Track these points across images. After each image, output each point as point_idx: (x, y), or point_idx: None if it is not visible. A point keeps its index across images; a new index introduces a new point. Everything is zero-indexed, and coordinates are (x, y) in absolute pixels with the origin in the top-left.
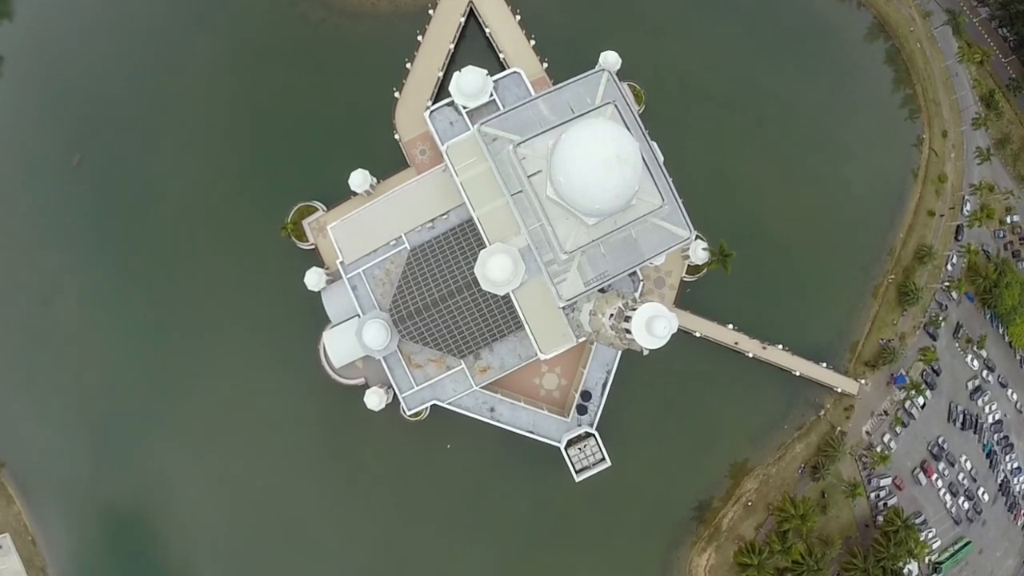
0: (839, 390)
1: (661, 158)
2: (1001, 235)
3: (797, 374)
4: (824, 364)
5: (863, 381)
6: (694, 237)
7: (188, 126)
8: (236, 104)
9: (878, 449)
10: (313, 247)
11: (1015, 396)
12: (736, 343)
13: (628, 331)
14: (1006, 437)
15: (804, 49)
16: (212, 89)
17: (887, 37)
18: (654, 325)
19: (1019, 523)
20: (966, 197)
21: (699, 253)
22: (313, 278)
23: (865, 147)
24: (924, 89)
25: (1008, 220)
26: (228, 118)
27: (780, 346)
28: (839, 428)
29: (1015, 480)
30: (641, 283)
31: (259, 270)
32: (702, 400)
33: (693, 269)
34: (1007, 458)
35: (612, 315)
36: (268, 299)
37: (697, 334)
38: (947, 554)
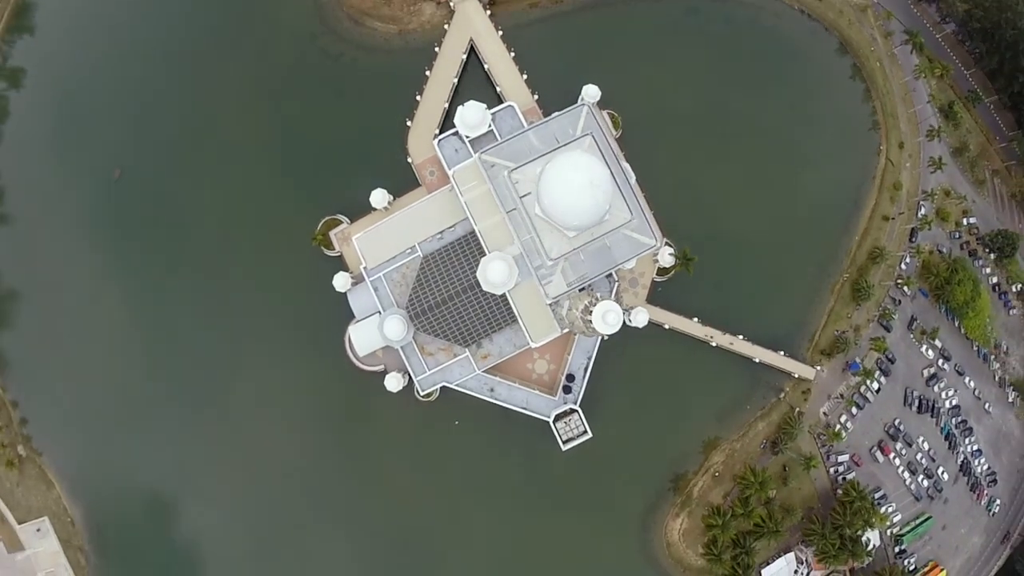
0: (796, 375)
1: (632, 178)
2: (957, 236)
3: (757, 361)
4: (782, 352)
5: (819, 368)
6: (662, 244)
7: (223, 145)
8: (268, 126)
9: (836, 429)
10: (339, 254)
11: (972, 384)
12: (711, 337)
13: (591, 321)
14: (964, 421)
15: (771, 71)
16: (246, 111)
17: (850, 57)
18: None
19: (982, 503)
20: (920, 203)
21: (666, 257)
22: (340, 281)
23: (826, 159)
24: (883, 104)
25: (965, 222)
26: (261, 138)
27: (741, 336)
28: (797, 409)
29: (976, 462)
30: (616, 283)
31: (291, 274)
32: (673, 383)
33: (662, 271)
34: (967, 441)
35: (581, 309)
36: (299, 299)
37: (667, 326)
38: (908, 528)
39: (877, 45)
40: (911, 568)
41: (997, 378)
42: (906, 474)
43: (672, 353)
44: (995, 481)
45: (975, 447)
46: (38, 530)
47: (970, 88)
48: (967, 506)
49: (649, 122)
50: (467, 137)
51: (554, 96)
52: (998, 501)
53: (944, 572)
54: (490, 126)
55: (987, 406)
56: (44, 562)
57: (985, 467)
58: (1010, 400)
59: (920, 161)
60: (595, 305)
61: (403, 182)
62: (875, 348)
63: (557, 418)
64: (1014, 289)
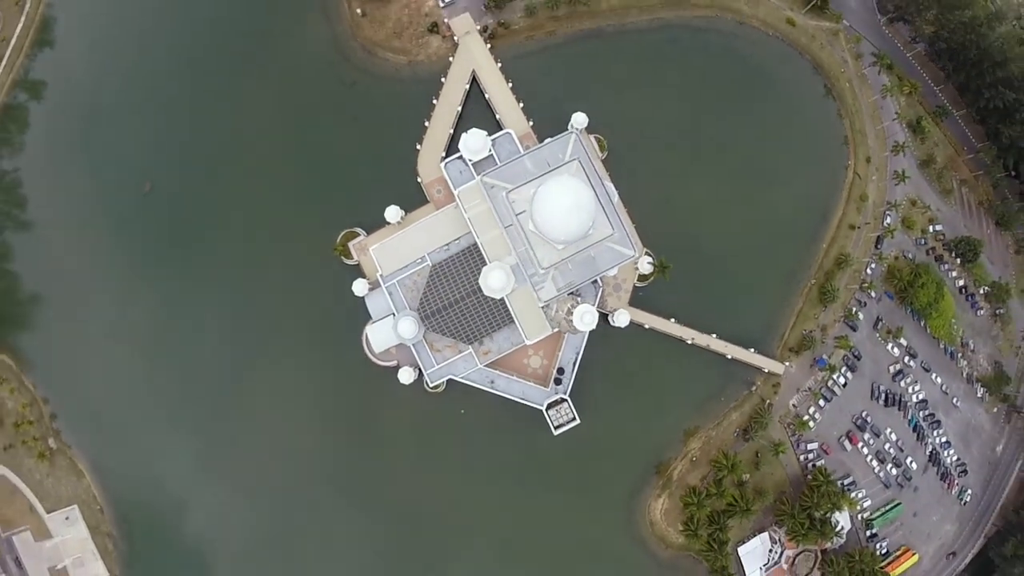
0: (767, 370)
1: (615, 197)
2: (923, 242)
3: (730, 357)
4: (752, 349)
5: (788, 363)
6: (642, 253)
7: (250, 164)
8: (290, 147)
9: (804, 419)
10: (357, 263)
11: (939, 379)
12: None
13: (572, 320)
14: (932, 414)
15: (747, 94)
16: (270, 133)
17: (821, 78)
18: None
19: (953, 492)
20: (886, 212)
21: (645, 265)
22: (359, 286)
23: (797, 174)
24: (852, 121)
25: (931, 229)
26: (284, 158)
27: (715, 335)
28: (768, 401)
29: (945, 453)
30: (601, 288)
31: (314, 280)
32: (654, 377)
33: (642, 277)
34: (935, 433)
35: (565, 311)
36: (321, 302)
37: (647, 326)
38: (879, 513)
39: (847, 66)
40: (883, 552)
41: (965, 374)
42: (874, 462)
43: (652, 350)
44: (965, 472)
45: (943, 439)
46: (67, 518)
47: (939, 103)
48: (938, 495)
49: (633, 143)
50: (470, 160)
51: (547, 121)
52: (969, 491)
53: (916, 556)
54: (490, 151)
55: (955, 401)
56: (72, 548)
57: (955, 458)
58: (979, 395)
59: (886, 174)
60: (575, 308)
61: (414, 199)
62: (840, 346)
63: (549, 406)
64: (981, 291)
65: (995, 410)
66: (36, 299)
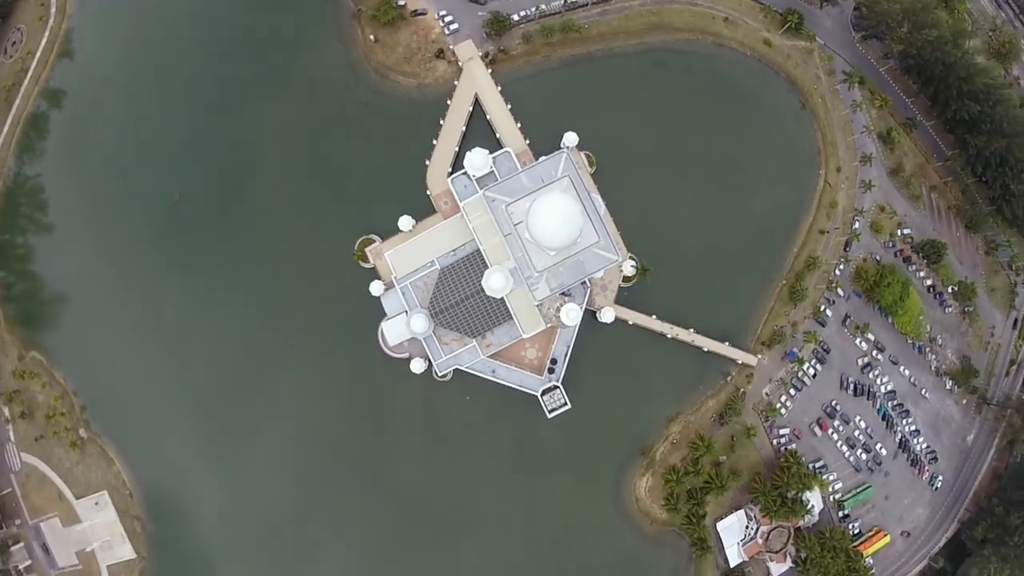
0: (741, 362)
1: (602, 208)
2: (891, 245)
3: (706, 350)
4: (727, 343)
5: (760, 356)
6: (625, 258)
7: (274, 175)
8: (312, 161)
9: (776, 406)
10: (373, 266)
11: (908, 372)
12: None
13: (560, 316)
14: (901, 404)
15: (726, 110)
16: (291, 149)
17: (796, 94)
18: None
19: (924, 478)
20: (855, 218)
21: (628, 268)
22: (375, 287)
23: (772, 183)
24: (824, 134)
25: (900, 233)
26: (306, 171)
27: (692, 330)
28: (742, 389)
29: (915, 440)
30: (589, 288)
31: (334, 282)
32: (638, 367)
33: (626, 278)
34: (904, 422)
35: (555, 309)
36: (340, 301)
37: (630, 322)
38: (850, 495)
39: (820, 83)
40: (856, 532)
41: (933, 368)
42: (844, 448)
43: (636, 343)
44: (936, 459)
45: (913, 427)
46: (96, 503)
47: (909, 115)
48: (909, 480)
49: (619, 158)
50: (474, 176)
51: (543, 138)
52: (940, 477)
53: (888, 537)
54: (492, 168)
55: (924, 392)
56: (100, 532)
57: (924, 446)
58: (948, 388)
59: (855, 182)
60: (563, 305)
61: (423, 210)
62: (808, 340)
63: (543, 393)
64: (949, 290)
65: (964, 402)
66: (67, 299)
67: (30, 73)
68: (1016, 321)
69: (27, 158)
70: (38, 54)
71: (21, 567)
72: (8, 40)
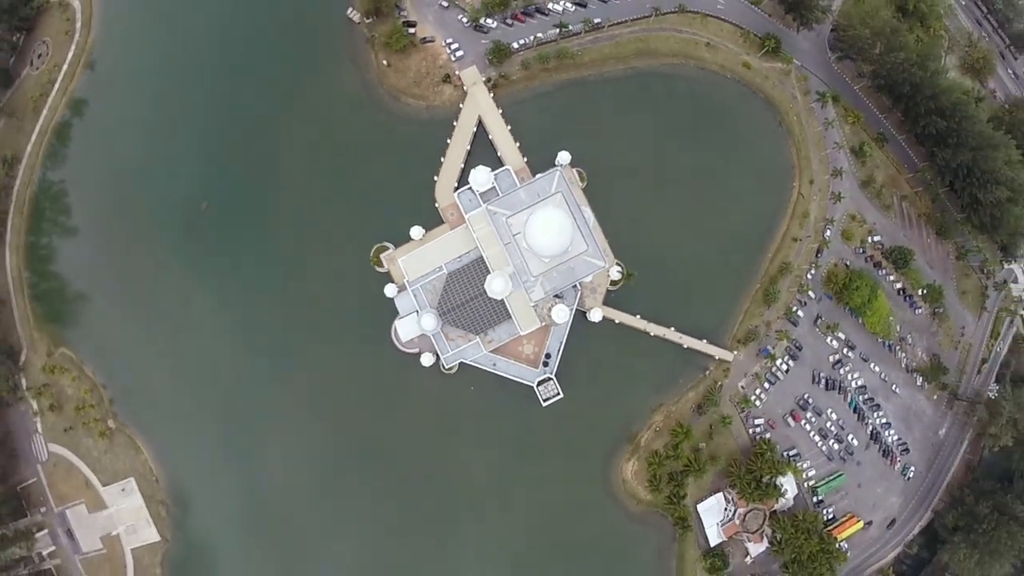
0: (718, 358)
1: (592, 220)
2: (862, 251)
3: (685, 347)
4: (705, 340)
5: (736, 352)
6: (612, 264)
7: (296, 189)
8: (330, 175)
9: (750, 398)
10: (387, 271)
11: (878, 368)
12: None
13: (551, 315)
14: (872, 399)
15: (707, 128)
16: (313, 163)
17: (772, 112)
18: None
19: (896, 468)
20: (827, 227)
21: (615, 273)
22: (390, 289)
23: (748, 195)
24: (798, 149)
25: (870, 240)
26: (325, 184)
27: (672, 328)
28: (719, 382)
29: (886, 432)
30: (580, 291)
31: (352, 285)
32: (624, 362)
33: (613, 282)
34: (875, 415)
35: (547, 309)
36: (357, 302)
37: (617, 321)
38: (823, 482)
39: (796, 102)
40: (830, 517)
41: (904, 365)
42: (817, 438)
43: (623, 340)
44: (907, 450)
45: (884, 420)
46: (123, 490)
47: (882, 129)
48: (881, 469)
49: (609, 173)
50: (477, 191)
51: (540, 156)
52: (913, 468)
53: (860, 523)
54: (493, 184)
55: (894, 387)
56: (126, 517)
57: (896, 438)
58: (918, 384)
59: (827, 194)
60: (554, 306)
61: (432, 221)
62: (780, 338)
63: (539, 384)
64: (919, 292)
65: (935, 397)
66: (96, 299)
67: (57, 84)
68: (990, 321)
69: (52, 164)
70: (64, 66)
71: (45, 553)
72: (34, 52)
